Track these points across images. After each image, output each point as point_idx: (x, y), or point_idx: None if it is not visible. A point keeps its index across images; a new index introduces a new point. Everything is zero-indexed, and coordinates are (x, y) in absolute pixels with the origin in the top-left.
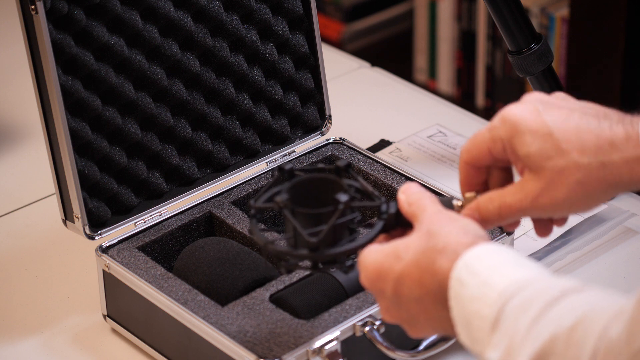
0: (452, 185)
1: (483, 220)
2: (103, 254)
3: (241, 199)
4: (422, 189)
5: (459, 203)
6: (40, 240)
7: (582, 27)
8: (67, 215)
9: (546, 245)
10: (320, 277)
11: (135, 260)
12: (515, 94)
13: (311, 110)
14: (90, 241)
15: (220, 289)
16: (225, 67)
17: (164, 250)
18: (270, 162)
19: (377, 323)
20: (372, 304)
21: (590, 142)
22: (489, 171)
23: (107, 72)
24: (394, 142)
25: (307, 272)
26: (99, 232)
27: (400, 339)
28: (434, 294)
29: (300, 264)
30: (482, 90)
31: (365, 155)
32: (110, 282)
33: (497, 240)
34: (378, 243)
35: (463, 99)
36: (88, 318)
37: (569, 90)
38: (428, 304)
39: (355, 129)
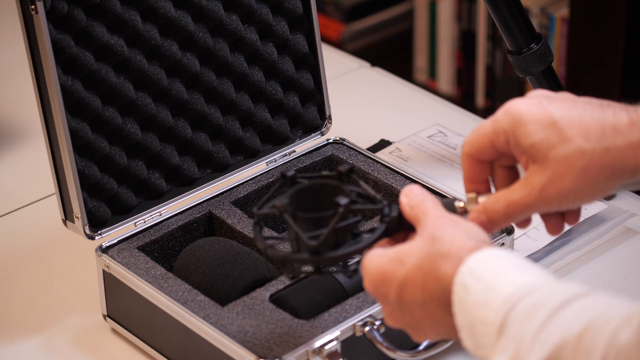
0: (452, 185)
1: (490, 222)
2: (103, 254)
3: (241, 199)
4: (424, 191)
5: (461, 204)
6: (40, 240)
7: (582, 27)
8: (67, 215)
9: (546, 245)
10: (320, 277)
11: (135, 260)
12: (515, 94)
13: (311, 110)
14: (90, 241)
15: (220, 289)
16: (225, 67)
17: (164, 250)
18: (270, 162)
19: (377, 323)
20: (372, 303)
21: (594, 128)
22: (493, 170)
23: (107, 72)
24: (394, 142)
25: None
26: (99, 232)
27: (400, 339)
28: (438, 299)
29: (304, 269)
30: (482, 90)
31: (365, 155)
32: (110, 282)
33: (497, 239)
34: (381, 247)
35: (463, 99)
36: (88, 318)
37: (569, 90)
38: (432, 309)
39: (355, 129)
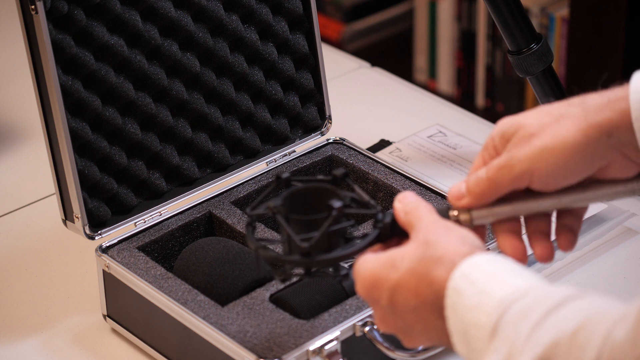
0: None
1: (494, 185)
2: (103, 254)
3: (241, 199)
4: (419, 198)
5: (455, 212)
6: (40, 240)
7: (582, 27)
8: (67, 215)
9: None
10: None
11: (135, 260)
12: (515, 94)
13: (311, 110)
14: (90, 241)
15: (220, 289)
16: (225, 67)
17: (164, 250)
18: (270, 162)
19: None
20: None
21: (560, 106)
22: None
23: (107, 72)
24: (394, 142)
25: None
26: (99, 232)
27: None
28: (430, 303)
29: (294, 271)
30: (482, 90)
31: (365, 155)
32: (110, 282)
33: (491, 242)
34: (374, 252)
35: (463, 99)
36: (88, 318)
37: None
38: (424, 314)
39: (355, 129)
